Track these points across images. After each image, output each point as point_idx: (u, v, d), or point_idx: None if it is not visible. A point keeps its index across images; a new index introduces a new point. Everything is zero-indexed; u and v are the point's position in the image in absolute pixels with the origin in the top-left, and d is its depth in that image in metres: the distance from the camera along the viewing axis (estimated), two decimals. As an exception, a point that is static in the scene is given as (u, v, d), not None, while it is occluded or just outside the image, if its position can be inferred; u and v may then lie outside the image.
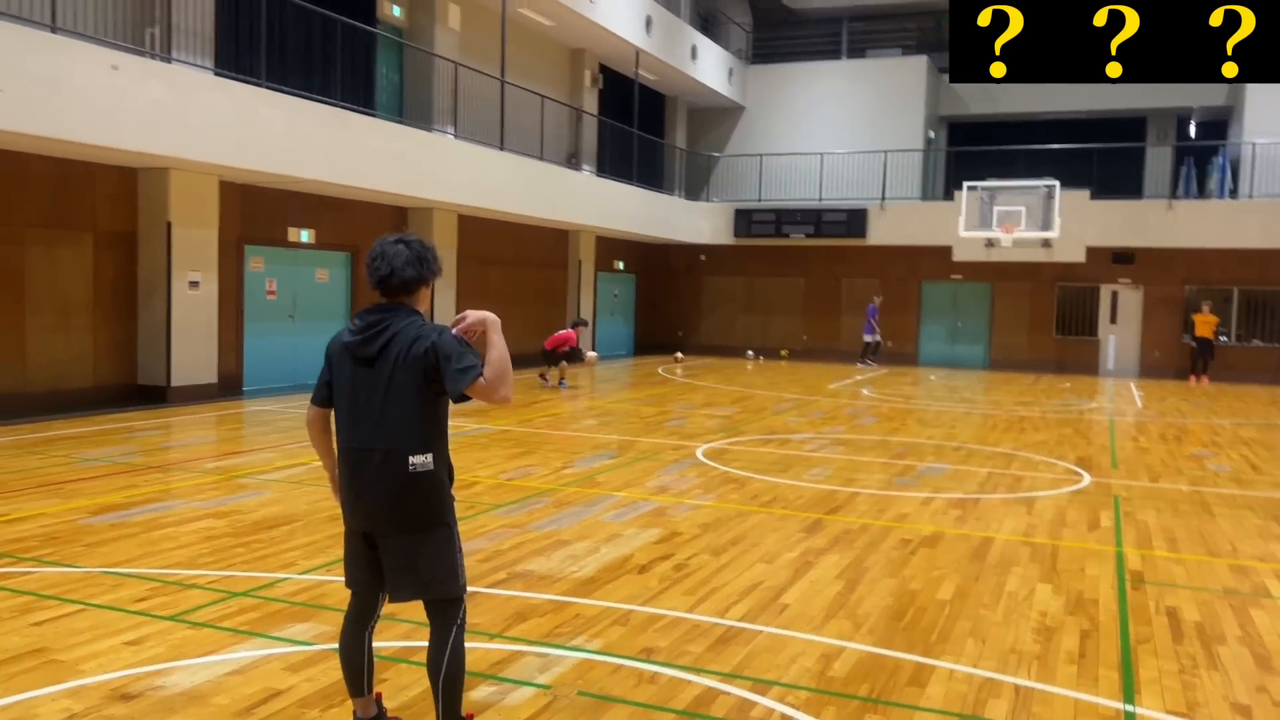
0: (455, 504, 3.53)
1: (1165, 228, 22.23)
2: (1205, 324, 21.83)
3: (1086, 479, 9.54)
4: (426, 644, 3.50)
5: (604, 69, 23.26)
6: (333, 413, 3.54)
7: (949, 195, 24.48)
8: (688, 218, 25.78)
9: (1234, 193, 22.97)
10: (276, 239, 15.29)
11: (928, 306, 25.45)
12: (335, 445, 3.53)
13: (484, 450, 10.24)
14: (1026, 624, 5.17)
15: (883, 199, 24.62)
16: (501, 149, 17.71)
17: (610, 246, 24.78)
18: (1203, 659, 4.72)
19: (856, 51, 28.67)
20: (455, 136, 17.13)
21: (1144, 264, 23.36)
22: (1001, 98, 27.47)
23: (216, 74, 12.82)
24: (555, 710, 3.96)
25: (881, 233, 24.49)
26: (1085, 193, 22.35)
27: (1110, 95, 26.30)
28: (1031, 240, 21.62)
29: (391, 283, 3.40)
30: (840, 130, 26.77)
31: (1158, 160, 25.87)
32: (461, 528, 6.89)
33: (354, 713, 3.62)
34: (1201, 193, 23.51)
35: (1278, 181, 22.01)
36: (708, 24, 27.74)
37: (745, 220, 25.59)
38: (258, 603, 5.20)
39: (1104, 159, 24.25)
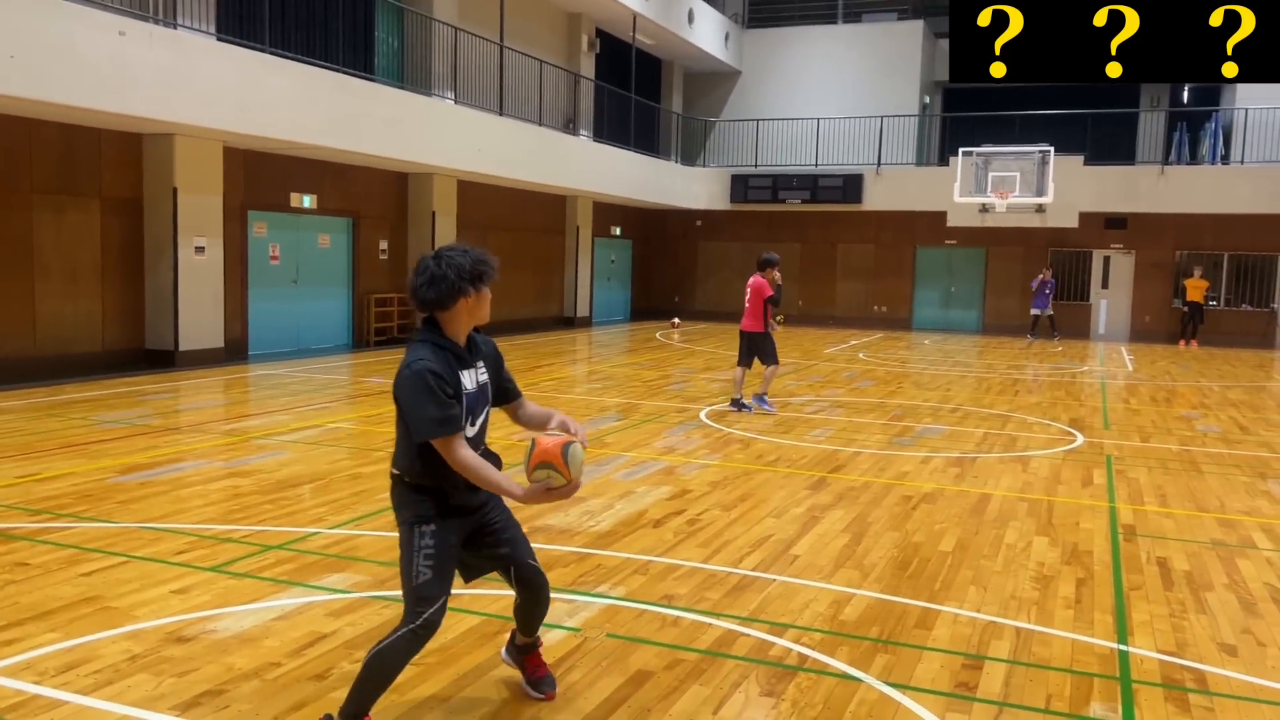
0: (430, 512, 3.38)
1: (1157, 193, 22.45)
2: (1196, 289, 22.13)
3: (1080, 439, 9.82)
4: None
5: (601, 34, 23.26)
6: (469, 429, 3.40)
7: (944, 161, 24.61)
8: (684, 183, 25.89)
9: (1225, 158, 23.19)
10: (279, 204, 15.41)
11: (922, 271, 25.67)
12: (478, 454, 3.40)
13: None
14: (1025, 573, 5.44)
15: (878, 164, 24.76)
16: (500, 114, 17.79)
17: (607, 212, 24.90)
18: (1191, 604, 5.01)
19: (852, 16, 28.65)
20: (455, 102, 17.21)
21: (1136, 229, 23.61)
22: (996, 63, 27.54)
23: (220, 39, 12.88)
24: (586, 650, 4.22)
25: (877, 198, 24.66)
26: (1079, 158, 22.53)
27: (1105, 60, 26.42)
28: (1025, 206, 21.83)
29: (414, 301, 3.34)
30: (836, 95, 26.82)
31: (1151, 126, 26.04)
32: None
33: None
34: (1194, 158, 23.72)
35: (1269, 147, 22.23)
36: (704, -12, 27.66)
37: (741, 185, 25.71)
38: (293, 555, 5.44)
39: (1097, 124, 24.41)
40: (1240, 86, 23.12)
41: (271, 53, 13.00)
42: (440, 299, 3.28)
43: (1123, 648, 4.40)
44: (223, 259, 14.02)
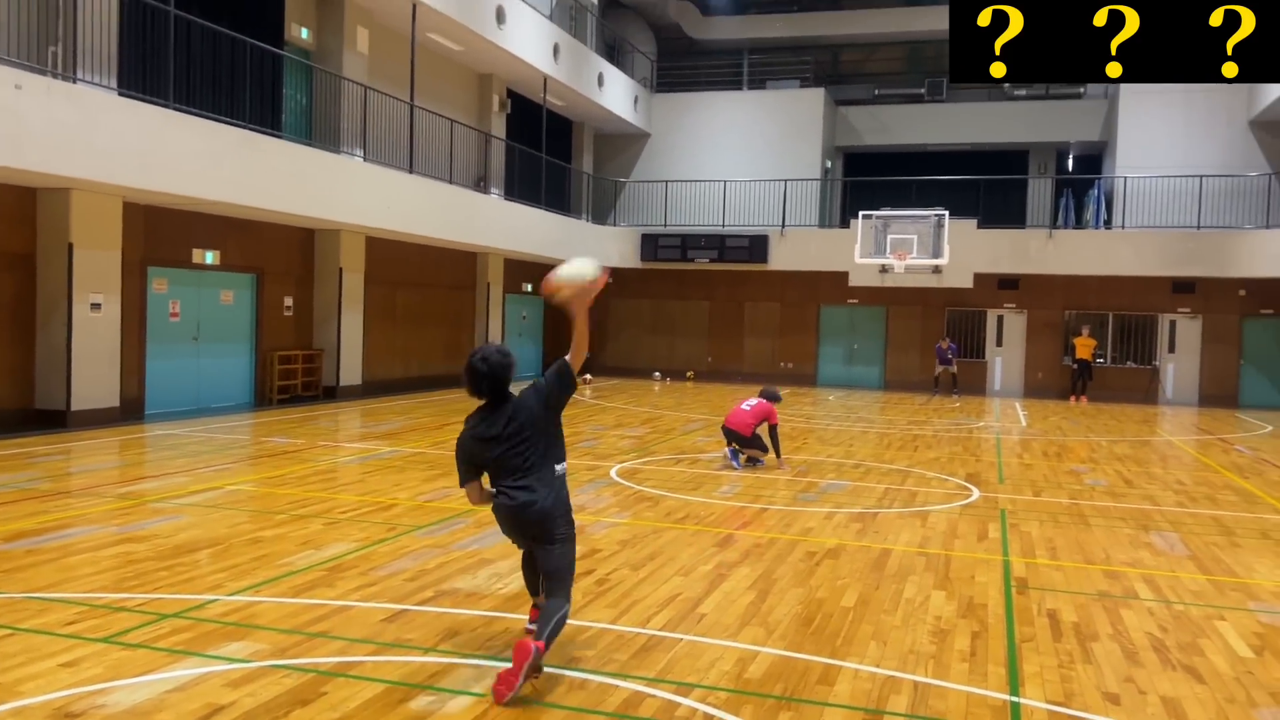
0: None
1: (1046, 256, 23.51)
2: (1084, 346, 23.15)
3: (975, 493, 10.16)
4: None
5: (512, 94, 23.53)
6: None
7: (845, 223, 25.40)
8: (595, 241, 26.15)
9: (1108, 223, 24.44)
10: (181, 260, 15.11)
11: (826, 329, 26.31)
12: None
13: (400, 473, 10.35)
14: (923, 627, 5.61)
15: (783, 226, 25.42)
16: (410, 172, 17.81)
17: (519, 269, 24.98)
18: (1079, 654, 5.22)
19: (757, 82, 29.59)
20: (364, 159, 17.17)
21: (1027, 290, 24.65)
22: (894, 129, 28.73)
23: (122, 94, 12.68)
24: (493, 715, 4.20)
25: (782, 258, 25.27)
26: (972, 222, 23.49)
27: (995, 128, 27.80)
28: (923, 267, 22.59)
29: (482, 394, 4.88)
30: (742, 158, 27.55)
31: (1039, 191, 27.35)
32: (383, 548, 7.07)
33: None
34: (1079, 223, 24.94)
35: (1147, 213, 23.53)
36: (614, 52, 28.27)
37: (651, 244, 26.10)
38: (189, 623, 5.30)
39: (990, 190, 25.55)
40: (1120, 155, 24.54)
41: (175, 108, 12.84)
42: (503, 391, 4.86)
43: (1014, 699, 4.57)
44: (120, 316, 13.65)
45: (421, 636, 5.19)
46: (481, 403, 4.82)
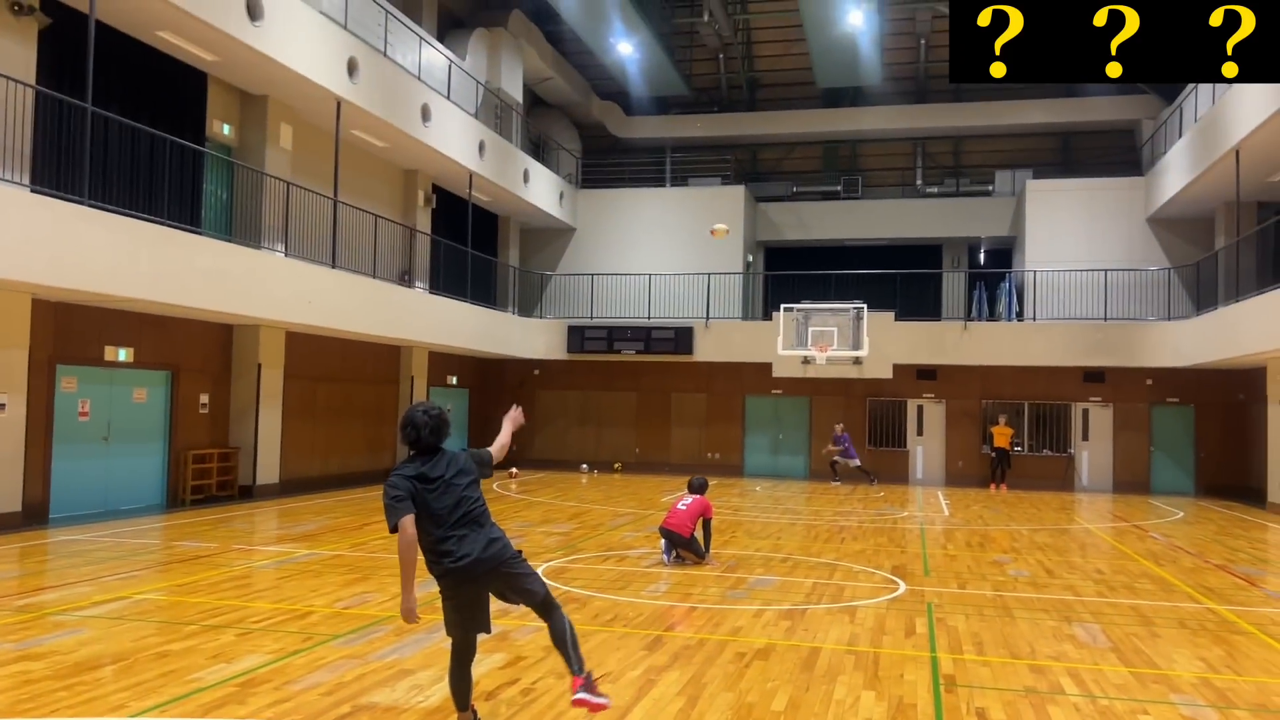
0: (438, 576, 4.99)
1: (962, 346, 24.15)
2: (1002, 435, 23.67)
3: (902, 587, 10.19)
4: None
5: (437, 189, 23.68)
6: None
7: (768, 315, 25.85)
8: (522, 333, 26.17)
9: (1020, 315, 25.28)
10: (92, 358, 14.68)
11: (751, 419, 26.52)
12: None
13: (317, 578, 10.03)
14: (854, 731, 5.54)
15: (707, 318, 25.76)
16: (333, 267, 17.68)
17: (444, 361, 24.81)
18: (1008, 755, 5.20)
19: (679, 179, 30.29)
20: (285, 254, 17.01)
21: (945, 380, 25.23)
22: (812, 224, 29.56)
23: (34, 190, 12.42)
24: (412, 844, 4.00)
25: (707, 350, 25.54)
26: (890, 314, 24.09)
27: (909, 224, 28.78)
28: (843, 358, 23.03)
29: (420, 444, 5.02)
30: (666, 251, 28.00)
31: (953, 285, 28.23)
32: (299, 660, 6.81)
33: None
34: (993, 315, 25.75)
35: (1057, 305, 24.42)
36: (539, 149, 28.73)
37: (578, 336, 26.18)
38: (87, 751, 4.99)
39: (906, 283, 26.28)
40: (1029, 250, 25.53)
41: (90, 205, 12.60)
42: (438, 440, 4.99)
43: (946, 806, 4.51)
44: (25, 416, 13.15)
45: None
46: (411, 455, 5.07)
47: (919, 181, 30.08)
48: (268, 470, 17.99)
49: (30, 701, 5.75)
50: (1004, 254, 29.19)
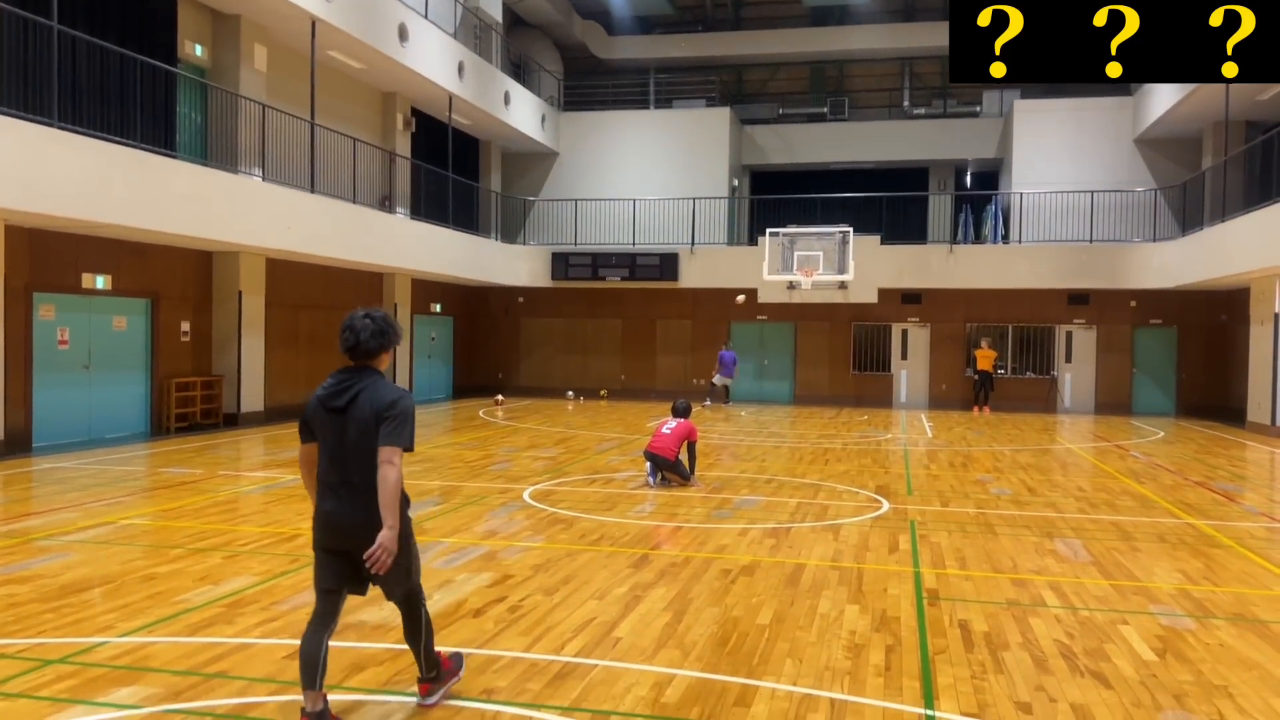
0: (411, 521, 4.39)
1: (947, 270, 24.11)
2: (985, 358, 23.78)
3: (886, 505, 10.28)
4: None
5: (416, 112, 23.24)
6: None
7: (753, 240, 25.70)
8: (505, 261, 25.96)
9: (1005, 238, 25.20)
10: (69, 286, 14.47)
11: (737, 345, 26.48)
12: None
13: (304, 502, 10.02)
14: (838, 642, 5.61)
15: (692, 244, 25.58)
16: (312, 191, 17.40)
17: (427, 289, 24.62)
18: (990, 664, 5.27)
19: (663, 102, 29.80)
20: (263, 179, 16.72)
21: (930, 304, 25.23)
22: (798, 148, 29.21)
23: (2, 113, 12.10)
24: (401, 755, 4.04)
25: (692, 276, 25.43)
26: (876, 238, 23.99)
27: (895, 147, 28.46)
28: (829, 283, 22.97)
29: (357, 351, 4.25)
30: (651, 176, 27.68)
31: (939, 208, 28.07)
32: (288, 581, 6.82)
33: (303, 707, 4.20)
34: (978, 238, 25.67)
35: (1042, 228, 24.34)
36: (520, 71, 28.17)
37: (562, 263, 26.00)
38: (75, 669, 5.00)
39: (892, 206, 26.14)
40: (1016, 172, 25.35)
41: (60, 127, 12.31)
42: (380, 348, 4.28)
43: (929, 713, 4.58)
44: (2, 344, 13.00)
45: (326, 673, 4.97)
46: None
47: (906, 103, 29.70)
48: (252, 398, 17.92)
49: (17, 624, 5.75)
50: (990, 177, 29.00)
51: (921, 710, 4.60)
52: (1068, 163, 25.11)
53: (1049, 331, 24.92)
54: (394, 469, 4.07)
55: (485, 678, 4.94)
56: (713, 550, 8.00)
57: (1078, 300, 24.46)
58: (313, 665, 4.18)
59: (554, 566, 7.35)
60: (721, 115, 28.06)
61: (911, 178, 29.03)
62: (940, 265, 24.15)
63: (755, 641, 5.60)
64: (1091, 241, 23.54)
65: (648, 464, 11.47)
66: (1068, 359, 24.84)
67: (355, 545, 4.15)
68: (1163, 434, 19.08)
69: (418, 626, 4.48)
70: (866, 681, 4.97)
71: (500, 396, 24.48)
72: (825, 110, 29.31)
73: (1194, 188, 22.87)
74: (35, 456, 13.14)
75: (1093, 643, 5.68)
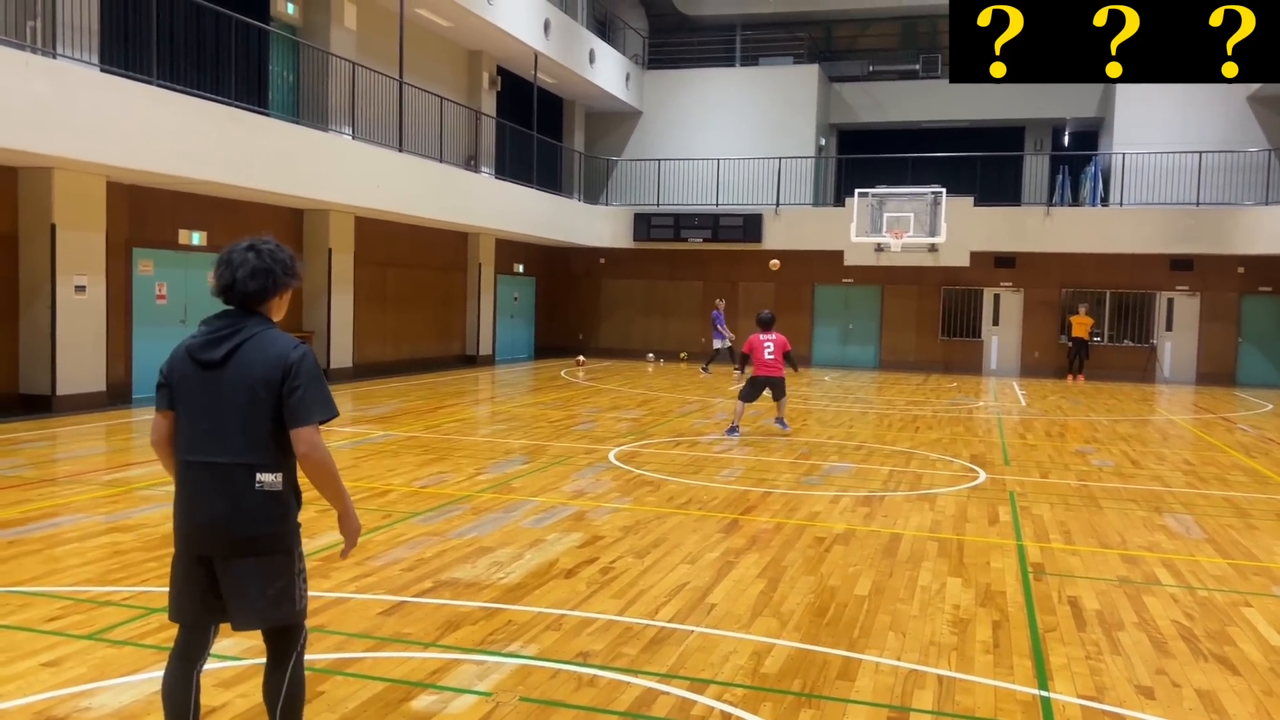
0: (300, 529, 3.25)
1: (1043, 233, 23.30)
2: (1081, 325, 22.97)
3: (982, 475, 9.97)
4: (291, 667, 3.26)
5: (502, 71, 23.17)
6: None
7: (840, 201, 25.14)
8: (587, 221, 25.86)
9: (1105, 200, 24.23)
10: (167, 241, 14.79)
11: (820, 309, 26.09)
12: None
13: (394, 458, 10.11)
14: (942, 616, 5.41)
15: (777, 204, 25.15)
16: (400, 150, 17.48)
17: (510, 249, 24.68)
18: (1105, 645, 5.02)
19: (750, 59, 29.19)
20: (352, 137, 16.83)
21: (1024, 268, 24.45)
22: (889, 107, 28.40)
23: (104, 70, 12.33)
24: (499, 717, 3.99)
25: (776, 237, 25.01)
26: (969, 199, 23.26)
27: (990, 105, 27.47)
28: (919, 245, 22.38)
29: (232, 293, 3.16)
30: (735, 136, 27.22)
31: (1035, 168, 27.10)
32: (379, 536, 6.86)
33: None
34: (1076, 200, 24.73)
35: (1145, 190, 23.32)
36: (605, 29, 27.88)
37: (644, 224, 25.81)
38: (179, 619, 5.06)
39: (986, 167, 25.30)
40: (1118, 132, 24.28)
41: (159, 84, 12.50)
42: (262, 291, 3.19)
43: (1044, 694, 4.37)
44: (105, 298, 13.35)
45: (421, 630, 4.96)
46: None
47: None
48: (341, 354, 18.18)
49: (121, 571, 5.86)
50: (1089, 136, 27.86)
51: (1036, 691, 4.39)
52: (1174, 122, 23.93)
53: (1149, 298, 23.97)
54: (319, 451, 3.07)
55: (581, 640, 4.87)
56: (804, 517, 7.82)
57: (1181, 266, 23.44)
58: (182, 711, 3.19)
59: (643, 529, 7.26)
60: (809, 72, 27.40)
61: (1007, 137, 28.03)
62: (1036, 228, 23.34)
63: (854, 613, 5.43)
64: (1198, 205, 22.47)
65: (739, 404, 12.19)
66: (1168, 327, 23.89)
67: (216, 550, 3.09)
68: (1270, 407, 18.24)
69: (282, 678, 3.20)
70: (975, 659, 4.77)
71: (581, 357, 24.49)
72: (917, 67, 28.40)
73: (1312, 148, 21.65)
74: (135, 408, 13.51)
75: (1215, 625, 5.38)
